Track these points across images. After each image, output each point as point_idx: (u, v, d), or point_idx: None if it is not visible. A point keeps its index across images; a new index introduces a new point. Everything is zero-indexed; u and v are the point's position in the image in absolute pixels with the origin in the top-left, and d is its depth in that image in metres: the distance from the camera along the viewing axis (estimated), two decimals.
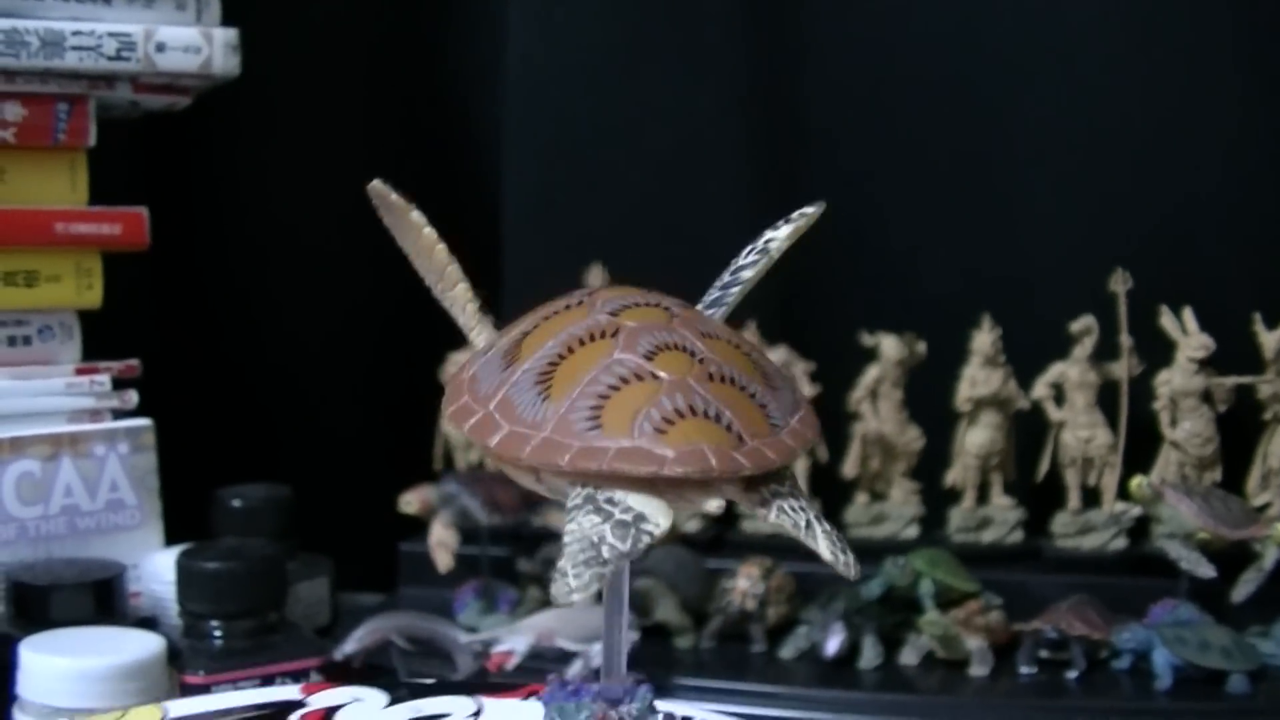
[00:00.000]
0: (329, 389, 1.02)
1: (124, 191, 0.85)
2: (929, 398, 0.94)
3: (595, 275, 0.92)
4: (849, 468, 0.95)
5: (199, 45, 0.84)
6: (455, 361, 0.93)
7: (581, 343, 0.51)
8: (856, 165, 0.97)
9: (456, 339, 0.92)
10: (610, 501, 0.49)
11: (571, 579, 0.46)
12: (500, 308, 0.55)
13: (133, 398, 0.84)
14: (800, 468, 0.94)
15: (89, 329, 0.84)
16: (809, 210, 0.56)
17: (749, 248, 0.56)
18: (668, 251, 0.94)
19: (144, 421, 0.83)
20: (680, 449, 0.48)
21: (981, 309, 0.92)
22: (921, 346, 0.94)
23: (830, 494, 0.96)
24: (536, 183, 0.99)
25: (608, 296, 0.53)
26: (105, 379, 0.82)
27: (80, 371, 0.82)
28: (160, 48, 0.83)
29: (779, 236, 0.56)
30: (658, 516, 0.48)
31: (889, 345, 0.93)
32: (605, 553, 0.47)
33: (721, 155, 0.98)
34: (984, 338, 0.92)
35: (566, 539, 0.47)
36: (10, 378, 0.81)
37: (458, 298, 0.56)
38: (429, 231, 0.54)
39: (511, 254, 0.98)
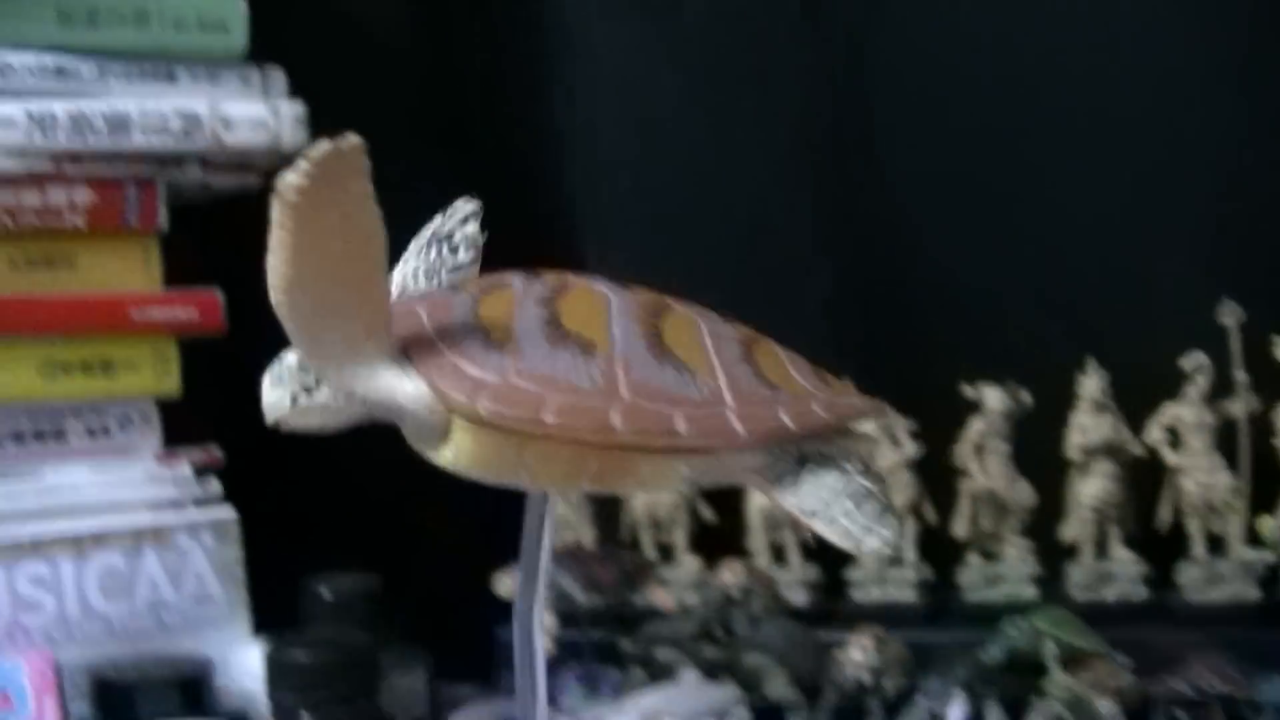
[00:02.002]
0: (417, 472, 0.99)
1: (198, 274, 0.83)
2: (1038, 449, 0.90)
3: None
4: (959, 528, 0.92)
5: (266, 120, 0.82)
6: None
7: (655, 314, 0.51)
8: (943, 212, 0.94)
9: None
10: (823, 455, 0.50)
11: (884, 530, 0.48)
12: None
13: (215, 486, 0.82)
14: (908, 530, 0.91)
15: (168, 416, 0.82)
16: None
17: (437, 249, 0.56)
18: (742, 293, 0.93)
19: (227, 511, 0.81)
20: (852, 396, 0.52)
21: (1086, 352, 0.89)
22: (1026, 396, 0.90)
23: (941, 557, 0.92)
24: (613, 242, 0.97)
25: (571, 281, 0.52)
26: (187, 468, 0.80)
27: (161, 460, 0.80)
28: (227, 124, 0.81)
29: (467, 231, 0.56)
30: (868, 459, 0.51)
31: (992, 397, 0.90)
32: (884, 499, 0.49)
33: (798, 206, 0.96)
34: (1091, 382, 0.89)
35: (826, 498, 0.49)
36: (91, 469, 0.79)
37: (374, 299, 0.49)
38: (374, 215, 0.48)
39: None
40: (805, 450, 0.51)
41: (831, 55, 0.96)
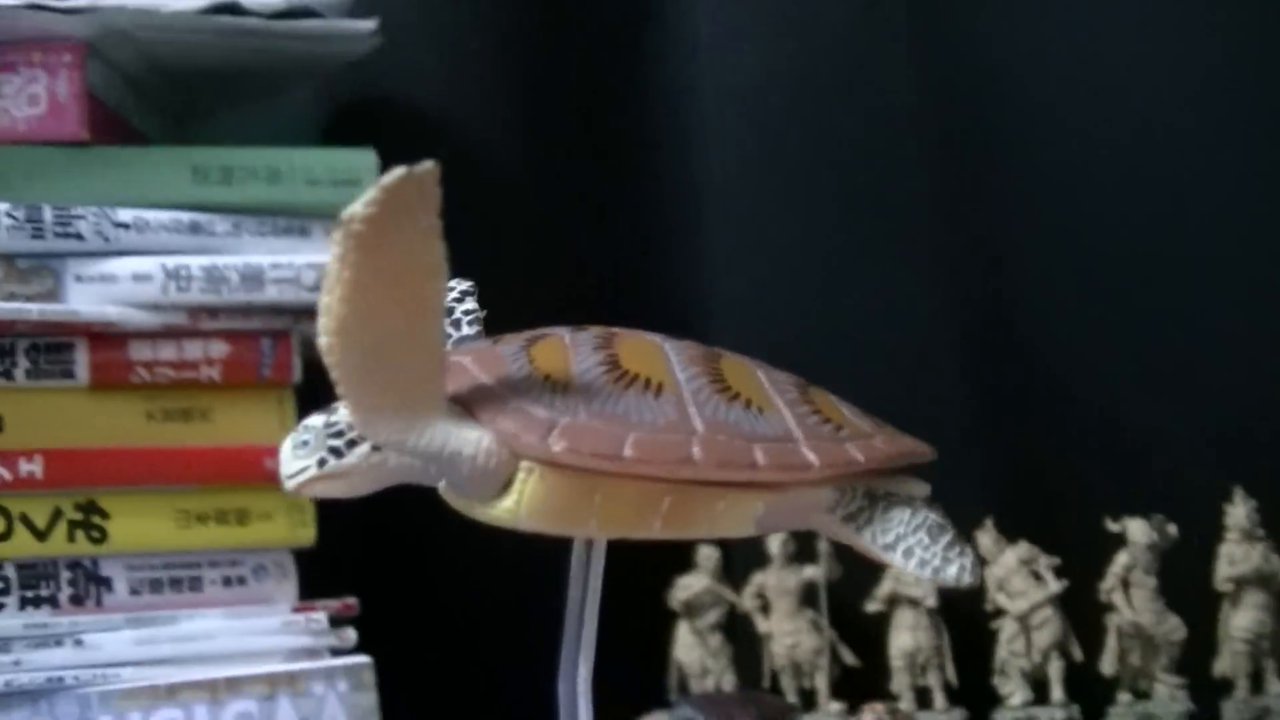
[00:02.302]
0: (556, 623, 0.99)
1: None
2: (1187, 582, 0.88)
3: None
4: (1107, 665, 0.89)
5: None
6: (684, 585, 0.89)
7: (711, 359, 0.53)
8: (1085, 342, 0.93)
9: (683, 563, 0.90)
10: (890, 494, 0.52)
11: (963, 559, 0.51)
12: None
13: (351, 635, 0.81)
14: (1053, 669, 0.89)
15: (304, 566, 0.82)
16: None
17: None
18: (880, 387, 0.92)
19: (363, 659, 0.80)
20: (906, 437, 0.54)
21: (1234, 481, 0.87)
22: (1172, 528, 0.88)
23: (1090, 695, 0.89)
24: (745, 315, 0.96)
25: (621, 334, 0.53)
26: (322, 617, 0.80)
27: (297, 610, 0.80)
28: None
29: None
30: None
31: (1136, 529, 0.87)
32: (955, 531, 0.52)
33: (941, 335, 0.95)
34: (1238, 511, 0.87)
35: (901, 532, 0.51)
36: (226, 617, 0.79)
37: (430, 343, 0.48)
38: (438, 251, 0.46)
39: None
40: (872, 489, 0.52)
41: (971, 181, 0.95)
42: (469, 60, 0.95)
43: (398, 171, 0.44)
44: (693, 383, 0.51)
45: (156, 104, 0.89)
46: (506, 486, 0.50)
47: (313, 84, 0.93)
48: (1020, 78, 0.94)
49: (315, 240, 0.83)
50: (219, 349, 0.80)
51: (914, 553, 0.51)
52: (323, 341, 0.46)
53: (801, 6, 0.95)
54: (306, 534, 0.81)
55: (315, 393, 0.83)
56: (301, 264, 0.81)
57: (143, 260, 0.78)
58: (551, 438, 0.48)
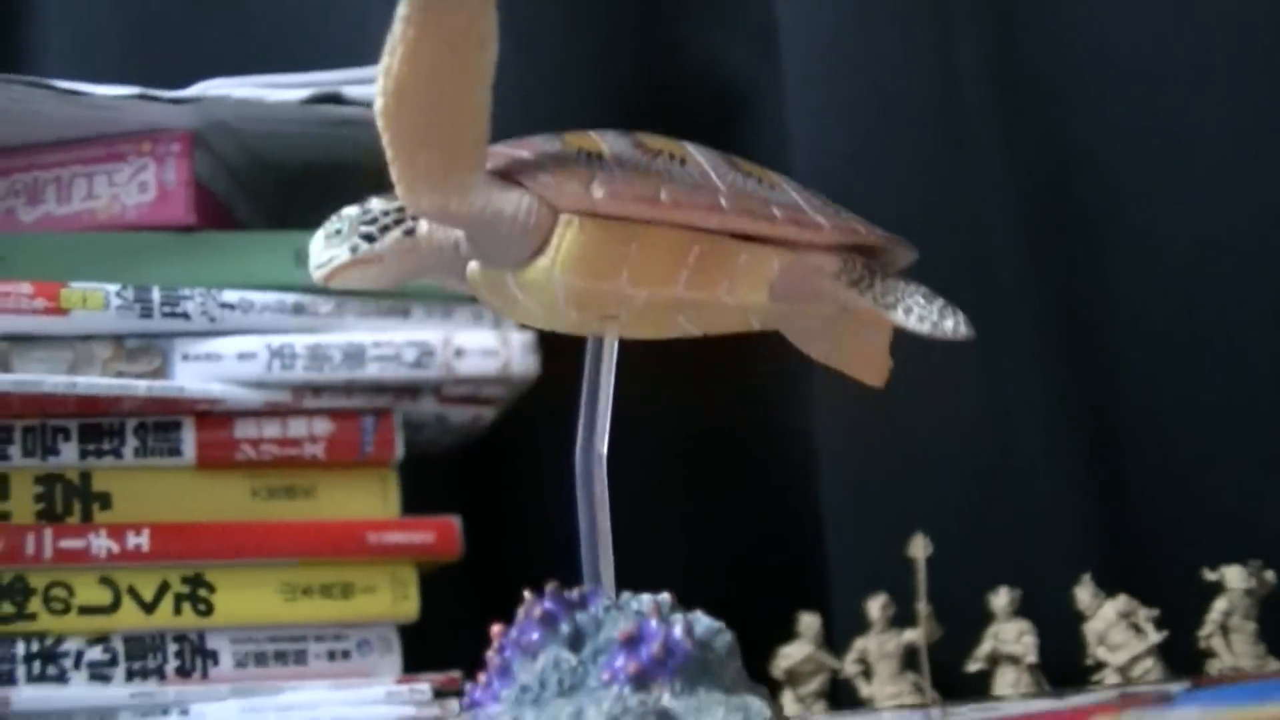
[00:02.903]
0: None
1: (437, 500, 0.85)
2: None
3: (918, 545, 0.88)
4: None
5: (496, 349, 0.85)
6: (786, 655, 0.89)
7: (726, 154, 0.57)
8: (1180, 390, 0.92)
9: (785, 633, 0.90)
10: (885, 268, 0.58)
11: (958, 316, 0.56)
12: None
13: (455, 709, 0.82)
14: None
15: (408, 641, 0.83)
16: None
17: None
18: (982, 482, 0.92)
19: None
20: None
21: None
22: (1270, 574, 0.87)
23: None
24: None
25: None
26: (426, 688, 0.80)
27: (400, 681, 0.81)
28: (459, 353, 0.84)
29: None
30: None
31: (1234, 576, 0.86)
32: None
33: (1039, 384, 0.94)
34: None
35: (900, 294, 0.56)
36: (330, 688, 0.79)
37: (478, 112, 0.50)
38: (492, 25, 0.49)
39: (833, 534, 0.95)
40: (870, 265, 0.57)
41: (1064, 255, 0.95)
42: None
43: None
44: (712, 159, 0.55)
45: (257, 198, 0.92)
46: (544, 244, 0.52)
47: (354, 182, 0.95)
48: (1109, 165, 0.95)
49: (415, 320, 0.85)
50: (322, 426, 0.82)
51: (913, 310, 0.56)
52: (380, 103, 0.49)
53: (889, 90, 0.95)
54: (409, 608, 0.82)
55: (422, 468, 0.86)
56: (402, 342, 0.82)
57: (247, 339, 0.80)
58: (593, 185, 0.52)
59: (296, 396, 0.81)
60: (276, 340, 0.81)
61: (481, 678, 0.54)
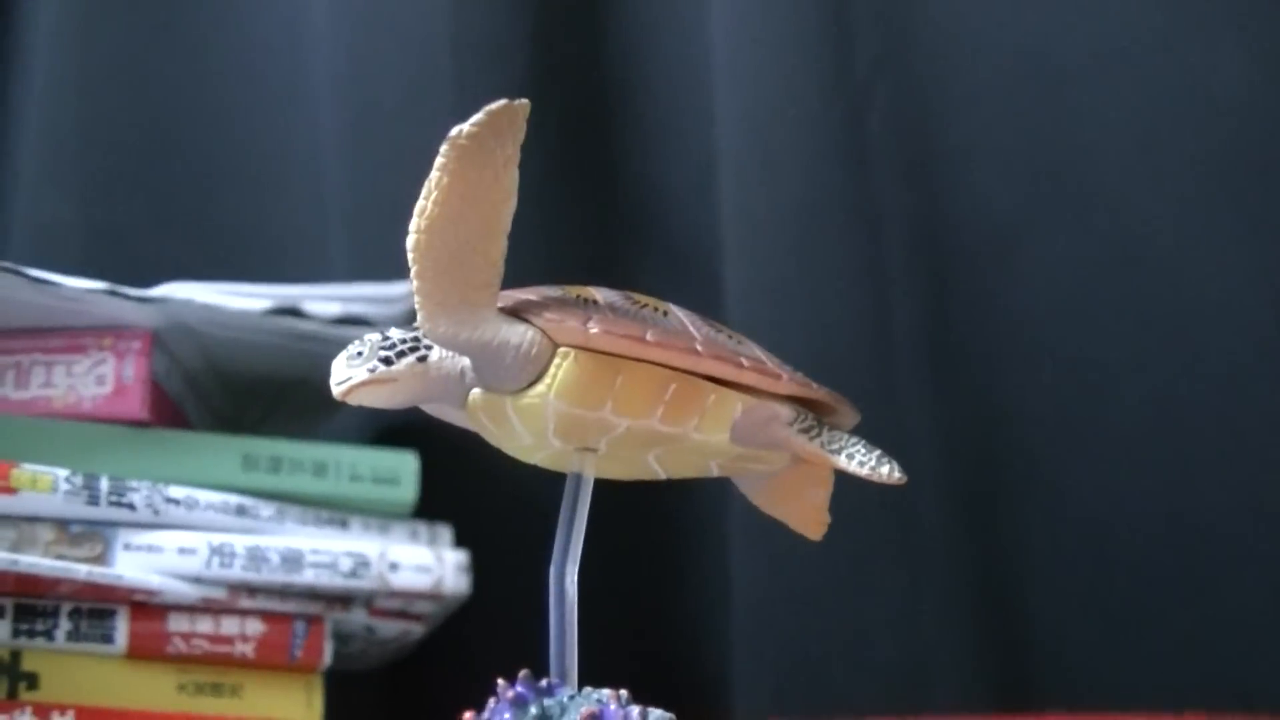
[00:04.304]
0: None
1: (356, 715, 0.85)
2: None
3: None
4: None
5: (431, 566, 0.86)
6: None
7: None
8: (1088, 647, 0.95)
9: None
10: (832, 421, 0.65)
11: (893, 463, 0.61)
12: None
13: None
14: None
15: None
16: None
17: None
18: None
19: None
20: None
21: None
22: None
23: None
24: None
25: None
26: None
27: None
28: (394, 567, 0.85)
29: None
30: None
31: None
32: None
33: None
34: None
35: (843, 443, 0.63)
36: None
37: (494, 255, 0.57)
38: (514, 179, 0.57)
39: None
40: (818, 417, 0.64)
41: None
42: None
43: (500, 101, 0.55)
44: (689, 315, 0.63)
45: (207, 400, 0.94)
46: (543, 372, 0.59)
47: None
48: (1033, 425, 0.98)
49: (353, 532, 0.86)
50: (254, 627, 0.83)
51: (854, 456, 0.63)
52: (411, 239, 0.56)
53: (827, 344, 0.98)
54: None
55: (348, 686, 0.87)
56: (340, 552, 0.84)
57: (189, 535, 0.81)
58: (589, 323, 0.59)
59: (232, 595, 0.82)
60: (217, 539, 0.82)
61: None
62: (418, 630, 0.90)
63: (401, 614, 0.88)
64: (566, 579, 0.61)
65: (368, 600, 0.86)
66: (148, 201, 1.07)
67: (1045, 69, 1.00)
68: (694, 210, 1.04)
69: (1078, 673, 0.94)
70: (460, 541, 0.90)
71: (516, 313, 0.60)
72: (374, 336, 0.61)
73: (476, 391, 0.61)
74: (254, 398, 0.96)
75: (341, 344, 0.88)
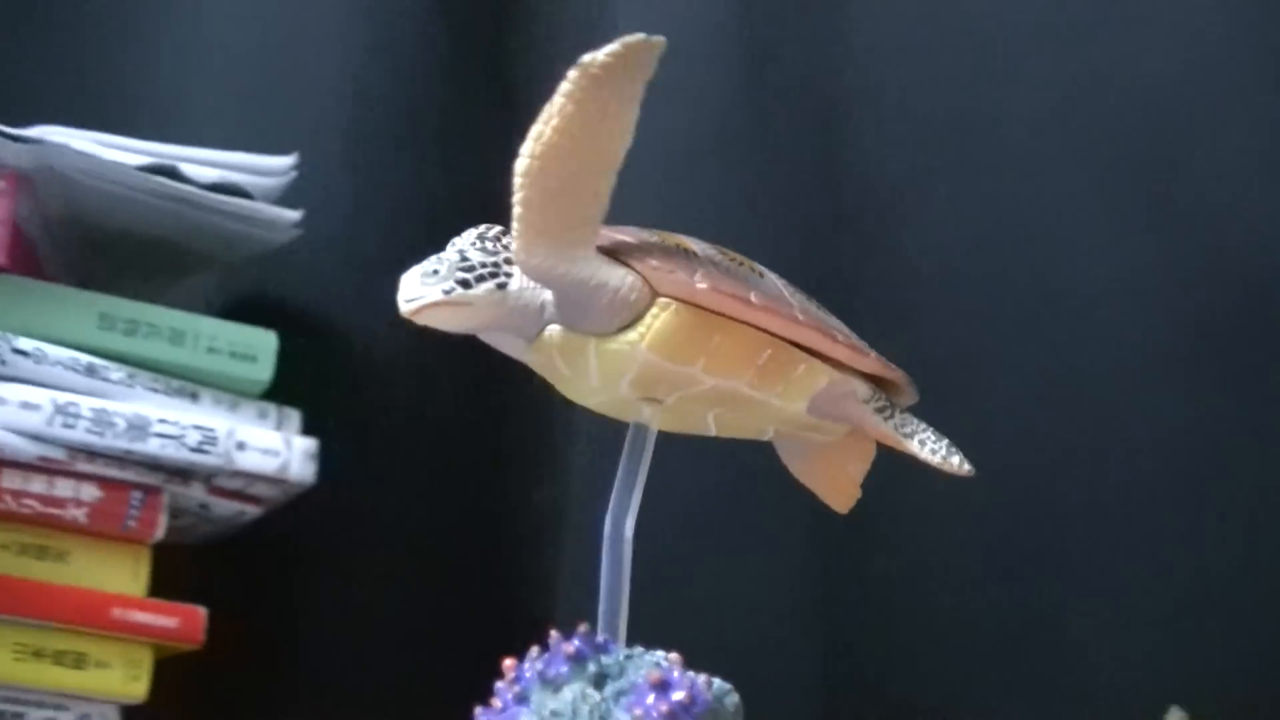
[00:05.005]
0: None
1: (183, 591, 0.84)
2: None
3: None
4: None
5: (278, 450, 0.85)
6: None
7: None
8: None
9: None
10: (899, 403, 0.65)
11: (961, 454, 0.62)
12: None
13: None
14: None
15: None
16: None
17: None
18: None
19: None
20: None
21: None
22: None
23: None
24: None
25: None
26: None
27: None
28: (241, 446, 0.83)
29: None
30: None
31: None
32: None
33: None
34: None
35: (916, 427, 0.63)
36: None
37: (601, 191, 0.55)
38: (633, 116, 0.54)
39: None
40: (891, 399, 0.64)
41: None
42: (378, 270, 0.98)
43: (637, 35, 0.52)
44: (782, 281, 0.61)
45: (65, 256, 0.90)
46: (637, 319, 0.57)
47: (221, 267, 0.95)
48: None
49: (203, 406, 0.84)
50: (90, 493, 0.80)
51: (926, 443, 0.63)
52: (524, 163, 0.54)
53: None
54: (139, 689, 0.80)
55: (175, 555, 0.85)
56: (188, 425, 0.82)
57: (34, 390, 0.79)
58: (696, 276, 0.56)
59: (71, 458, 0.80)
60: (63, 397, 0.79)
61: (496, 702, 0.57)
62: (253, 512, 0.88)
63: (240, 495, 0.87)
64: (625, 531, 0.59)
65: (208, 477, 0.84)
66: (26, 41, 1.03)
67: (957, 31, 1.00)
68: None
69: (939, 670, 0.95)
70: (306, 430, 0.88)
71: (615, 254, 0.57)
72: (452, 255, 0.58)
73: (555, 328, 0.58)
74: (108, 254, 0.92)
75: (215, 211, 0.87)
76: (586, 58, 0.52)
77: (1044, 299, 0.96)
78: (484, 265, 0.57)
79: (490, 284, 0.57)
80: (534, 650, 0.57)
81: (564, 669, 0.55)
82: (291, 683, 0.94)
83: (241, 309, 0.91)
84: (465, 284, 0.57)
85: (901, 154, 1.00)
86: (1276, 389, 0.91)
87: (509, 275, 0.58)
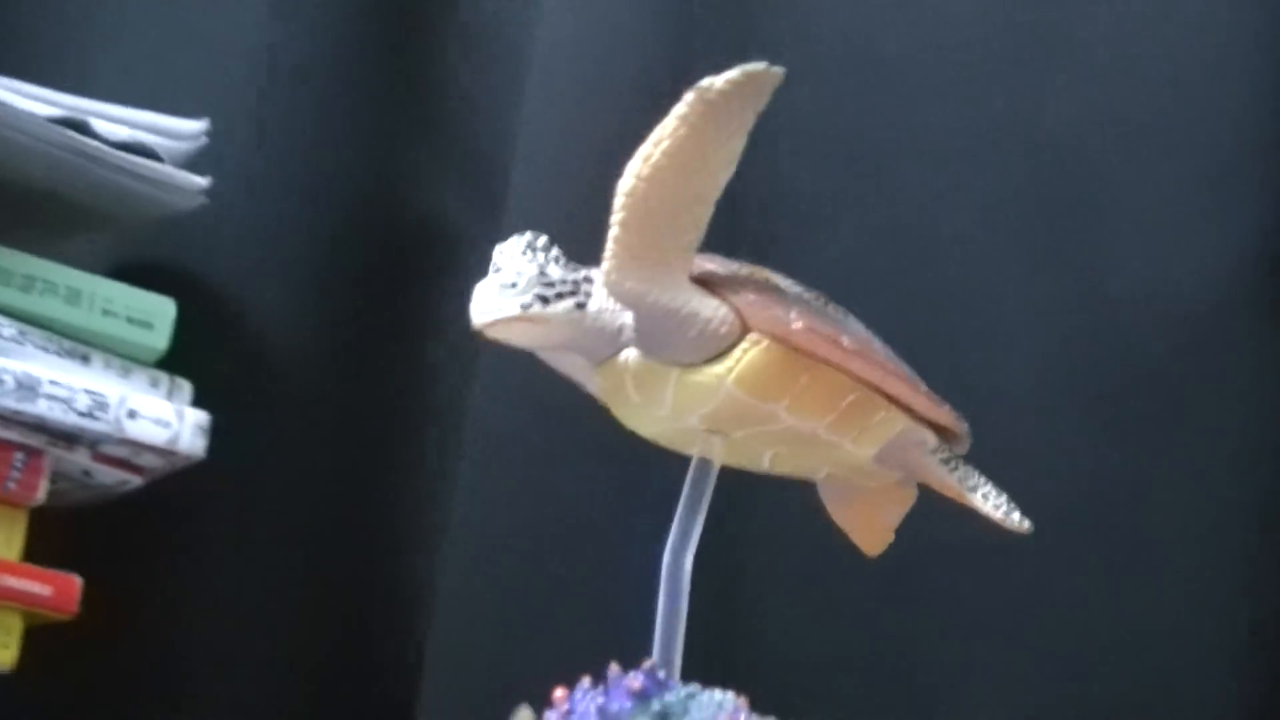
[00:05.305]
0: None
1: (56, 559, 0.81)
2: None
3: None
4: None
5: (170, 421, 0.82)
6: None
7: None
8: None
9: None
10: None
11: (1019, 513, 0.61)
12: None
13: None
14: None
15: None
16: None
17: None
18: None
19: None
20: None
21: None
22: None
23: None
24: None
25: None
26: None
27: None
28: (132, 414, 0.81)
29: None
30: None
31: None
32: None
33: None
34: None
35: (979, 481, 0.62)
36: None
37: (701, 220, 0.54)
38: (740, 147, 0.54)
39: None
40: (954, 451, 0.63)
41: None
42: (282, 245, 0.96)
43: (758, 64, 0.51)
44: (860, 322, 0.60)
45: None
46: (724, 354, 0.56)
47: (120, 228, 0.92)
48: None
49: (94, 370, 0.82)
50: None
51: (989, 497, 0.62)
52: (629, 183, 0.53)
53: None
54: (6, 657, 0.78)
55: (53, 522, 0.82)
56: (79, 388, 0.79)
57: None
58: (791, 315, 0.56)
59: None
60: None
61: None
62: (135, 482, 0.86)
63: (125, 463, 0.84)
64: (685, 566, 0.58)
65: (95, 443, 0.82)
66: None
67: (872, 60, 1.00)
68: (499, 119, 1.01)
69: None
70: (196, 403, 0.86)
71: (706, 284, 0.56)
72: (531, 270, 0.56)
73: (632, 354, 0.57)
74: (2, 205, 0.90)
75: (120, 170, 0.85)
76: (705, 82, 0.51)
77: (944, 332, 0.96)
78: (564, 283, 0.56)
79: (569, 302, 0.56)
80: (585, 681, 0.55)
81: (627, 704, 0.54)
82: (163, 658, 0.92)
83: (138, 274, 0.88)
84: (544, 300, 0.55)
85: (809, 181, 0.99)
86: (1157, 433, 0.93)
87: (588, 295, 0.56)
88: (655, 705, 0.54)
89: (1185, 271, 0.92)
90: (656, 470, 0.94)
